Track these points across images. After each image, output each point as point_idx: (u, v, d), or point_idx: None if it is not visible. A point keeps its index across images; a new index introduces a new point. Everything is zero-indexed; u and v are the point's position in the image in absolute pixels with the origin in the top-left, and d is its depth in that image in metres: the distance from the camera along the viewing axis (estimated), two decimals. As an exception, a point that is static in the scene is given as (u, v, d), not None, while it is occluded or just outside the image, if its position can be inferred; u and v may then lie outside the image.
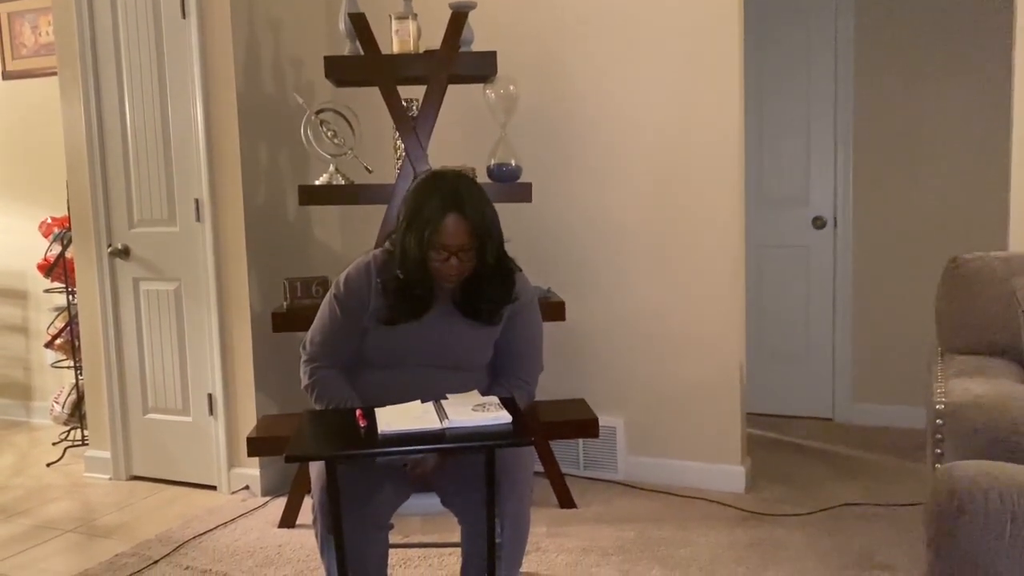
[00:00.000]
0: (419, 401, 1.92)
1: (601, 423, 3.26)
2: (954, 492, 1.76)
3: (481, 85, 3.20)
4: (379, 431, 1.74)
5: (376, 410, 1.85)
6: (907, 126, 4.06)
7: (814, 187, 4.30)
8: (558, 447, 3.45)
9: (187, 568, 2.81)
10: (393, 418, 1.80)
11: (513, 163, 3.19)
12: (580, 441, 3.56)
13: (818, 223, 4.29)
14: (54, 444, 4.22)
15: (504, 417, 1.78)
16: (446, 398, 1.92)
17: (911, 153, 4.07)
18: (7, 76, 4.54)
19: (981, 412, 1.96)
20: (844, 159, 4.21)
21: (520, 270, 2.20)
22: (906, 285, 4.09)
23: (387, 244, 2.17)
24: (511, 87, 3.15)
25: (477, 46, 3.22)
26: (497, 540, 1.92)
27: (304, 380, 2.18)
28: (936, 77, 3.99)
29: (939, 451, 1.98)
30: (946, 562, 1.80)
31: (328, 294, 2.20)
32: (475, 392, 1.98)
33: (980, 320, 2.45)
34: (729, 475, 3.39)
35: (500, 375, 2.21)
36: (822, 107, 4.23)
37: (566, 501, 3.24)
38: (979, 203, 3.87)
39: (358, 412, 1.86)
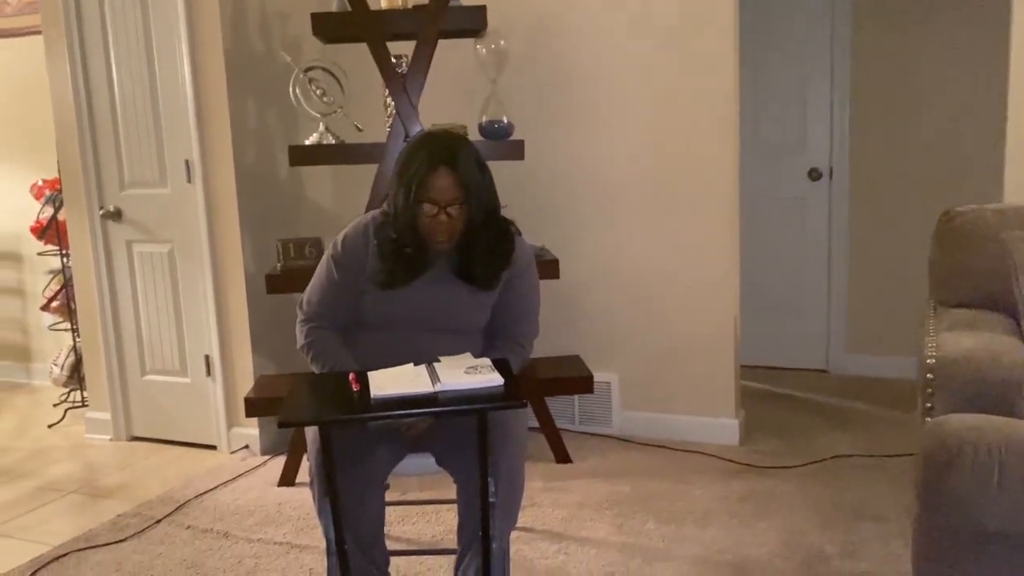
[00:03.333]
0: (412, 364, 1.92)
1: (596, 379, 3.29)
2: (943, 445, 1.78)
3: (471, 40, 3.15)
4: (371, 395, 1.74)
5: (369, 374, 1.86)
6: (904, 76, 4.01)
7: (810, 137, 4.25)
8: (554, 403, 3.47)
9: (188, 527, 2.85)
10: (386, 382, 1.81)
11: (505, 120, 3.15)
12: (575, 397, 3.59)
13: (814, 175, 4.26)
14: (55, 406, 4.25)
15: (496, 379, 1.78)
16: (439, 360, 1.93)
17: (908, 104, 4.02)
18: (-8, 35, 4.48)
19: (971, 366, 1.97)
20: (840, 109, 4.16)
21: (520, 233, 2.18)
22: (901, 236, 4.08)
23: (384, 206, 2.16)
24: (501, 42, 3.10)
25: (466, 0, 3.16)
26: (492, 499, 1.94)
27: (300, 340, 2.18)
28: (934, 27, 3.92)
29: (929, 405, 1.99)
30: (935, 513, 1.82)
31: (325, 254, 2.18)
32: (468, 354, 1.97)
33: (972, 273, 2.44)
34: (723, 428, 3.42)
35: (495, 337, 2.21)
36: (819, 55, 4.17)
37: (562, 456, 3.28)
38: (975, 154, 3.84)
39: (351, 376, 1.86)
